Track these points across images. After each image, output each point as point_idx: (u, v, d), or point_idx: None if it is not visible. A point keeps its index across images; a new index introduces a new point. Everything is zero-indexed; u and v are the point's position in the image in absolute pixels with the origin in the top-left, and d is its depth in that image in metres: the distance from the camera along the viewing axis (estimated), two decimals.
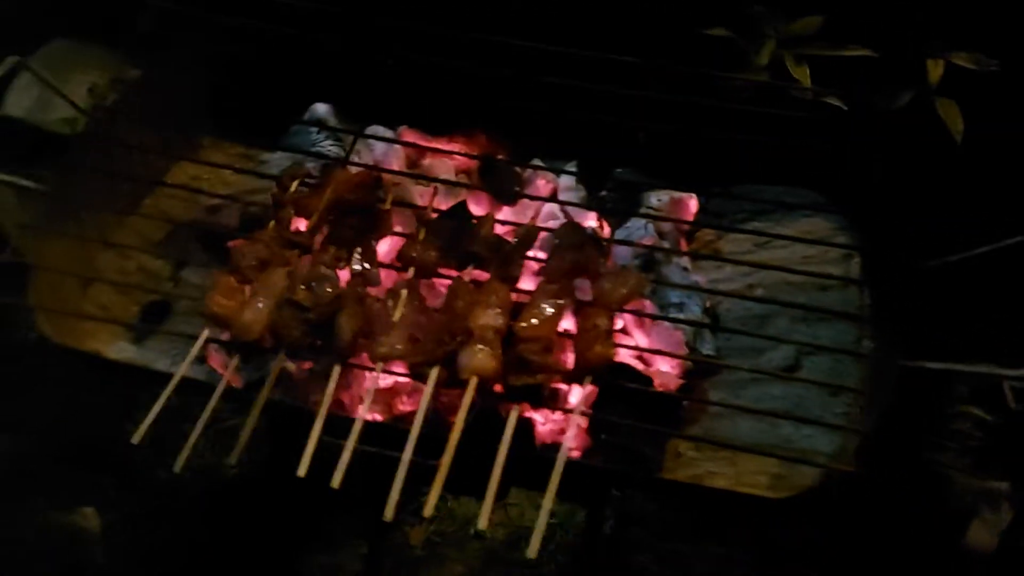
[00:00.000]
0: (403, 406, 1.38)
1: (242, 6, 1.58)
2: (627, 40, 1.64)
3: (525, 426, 1.28)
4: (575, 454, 1.36)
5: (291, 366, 1.32)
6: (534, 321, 1.23)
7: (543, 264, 1.34)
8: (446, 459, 1.11)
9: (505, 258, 1.32)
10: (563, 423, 1.32)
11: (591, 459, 1.31)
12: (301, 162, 1.55)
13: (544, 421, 1.34)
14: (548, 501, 1.10)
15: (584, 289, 1.30)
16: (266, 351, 1.28)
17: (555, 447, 1.34)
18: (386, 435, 1.20)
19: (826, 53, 1.72)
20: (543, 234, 1.40)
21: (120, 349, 1.47)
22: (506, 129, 1.72)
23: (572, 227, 1.35)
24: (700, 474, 1.30)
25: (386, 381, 1.36)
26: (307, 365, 1.32)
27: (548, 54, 1.60)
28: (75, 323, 1.46)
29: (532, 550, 1.02)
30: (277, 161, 1.73)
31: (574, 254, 1.30)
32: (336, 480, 1.10)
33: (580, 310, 1.27)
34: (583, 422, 1.30)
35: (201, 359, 1.44)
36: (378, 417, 1.37)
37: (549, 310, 1.23)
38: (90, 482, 2.18)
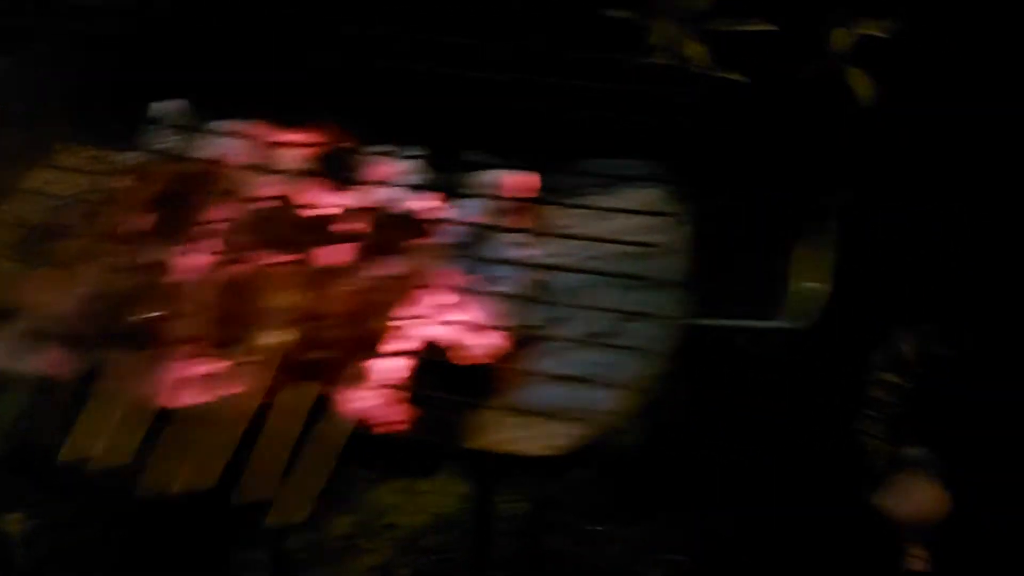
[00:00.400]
0: (224, 390, 1.40)
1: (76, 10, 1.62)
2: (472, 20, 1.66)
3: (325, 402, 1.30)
4: (393, 428, 1.38)
5: (113, 356, 1.35)
6: (333, 299, 1.25)
7: (351, 244, 1.36)
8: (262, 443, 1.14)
9: (313, 240, 1.34)
10: (372, 398, 1.34)
11: (409, 432, 1.33)
12: (143, 160, 1.58)
13: (353, 397, 1.35)
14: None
15: (389, 266, 1.32)
16: (91, 342, 1.31)
17: (368, 423, 1.38)
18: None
19: (725, 28, 1.72)
20: (360, 215, 1.42)
21: None
22: (356, 119, 1.74)
23: (385, 208, 1.37)
24: (503, 439, 1.31)
25: (207, 367, 1.38)
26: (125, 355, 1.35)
27: (394, 40, 1.63)
28: None
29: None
30: (129, 160, 1.76)
31: (381, 233, 1.33)
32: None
33: (379, 286, 1.29)
34: (396, 396, 1.32)
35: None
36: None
37: (349, 288, 1.25)
38: (15, 487, 2.22)
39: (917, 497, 1.68)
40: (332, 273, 1.32)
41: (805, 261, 1.42)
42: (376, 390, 1.32)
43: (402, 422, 1.35)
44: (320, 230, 1.37)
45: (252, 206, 1.44)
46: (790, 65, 1.78)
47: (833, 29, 1.70)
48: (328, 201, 1.58)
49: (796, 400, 1.63)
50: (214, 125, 1.71)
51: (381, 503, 2.18)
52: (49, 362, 1.43)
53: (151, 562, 2.16)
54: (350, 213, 1.40)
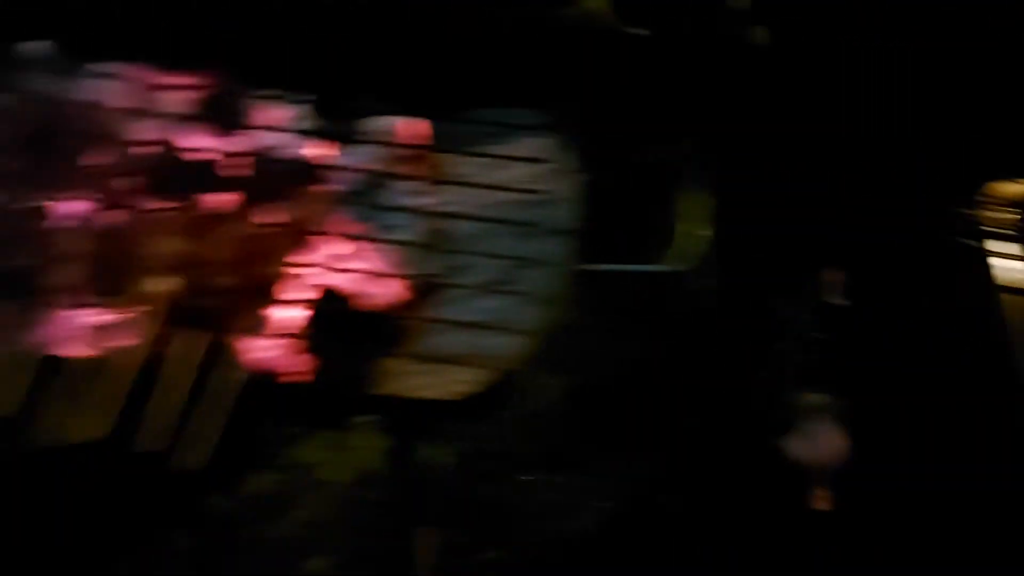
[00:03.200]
0: (111, 340, 1.35)
1: None
2: None
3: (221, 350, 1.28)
4: (296, 378, 1.37)
5: None
6: (219, 245, 1.22)
7: (237, 190, 1.32)
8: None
9: (198, 185, 1.30)
10: (270, 347, 1.33)
11: (310, 381, 1.33)
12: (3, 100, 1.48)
13: (254, 347, 1.34)
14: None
15: (275, 213, 1.30)
16: None
17: (269, 373, 1.36)
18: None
19: None
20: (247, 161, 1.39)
21: None
22: (240, 62, 1.68)
23: (273, 154, 1.34)
24: (408, 386, 1.33)
25: (91, 316, 1.33)
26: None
27: None
28: None
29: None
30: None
31: (269, 179, 1.30)
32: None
33: (268, 233, 1.27)
34: (291, 345, 1.31)
35: None
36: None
37: (234, 234, 1.23)
38: None
39: (821, 442, 1.79)
40: (218, 219, 1.28)
41: (689, 207, 1.49)
42: (274, 339, 1.31)
43: (303, 372, 1.35)
44: (204, 175, 1.33)
45: (132, 150, 1.37)
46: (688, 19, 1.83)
47: None
48: (213, 145, 1.53)
49: (700, 348, 1.70)
50: (88, 67, 1.61)
51: (307, 459, 2.15)
52: None
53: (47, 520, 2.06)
54: (236, 158, 1.36)
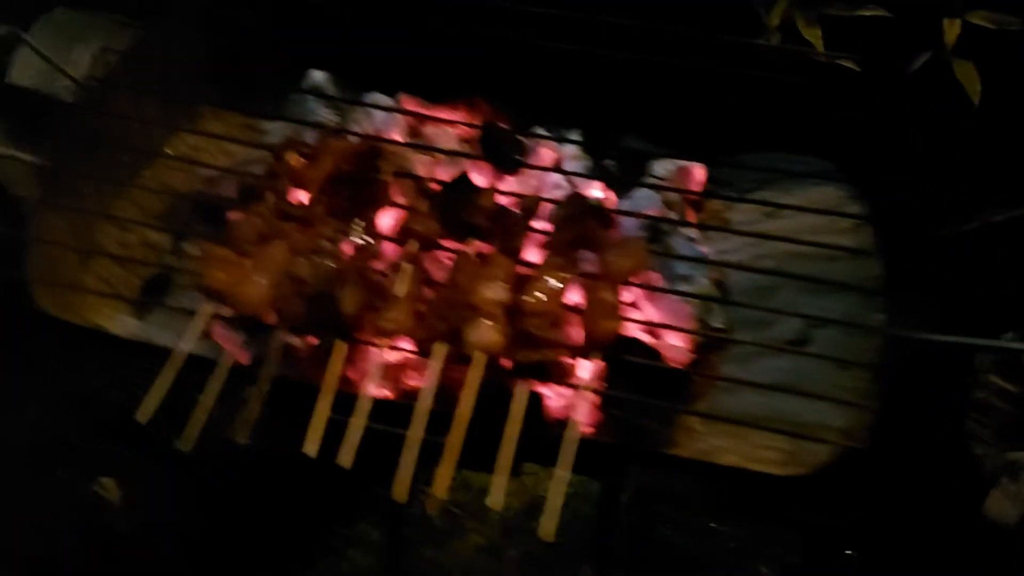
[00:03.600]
0: (412, 381, 1.36)
1: None
2: (630, 3, 1.59)
3: (534, 401, 1.27)
4: (587, 429, 1.35)
5: (296, 342, 1.31)
6: (539, 295, 1.21)
7: (547, 236, 1.31)
8: (455, 437, 1.10)
9: (508, 230, 1.30)
10: (572, 398, 1.32)
11: (601, 435, 1.31)
12: (298, 132, 1.53)
13: (553, 396, 1.33)
14: (559, 480, 1.09)
15: (589, 261, 1.28)
16: (269, 326, 1.27)
17: (564, 422, 1.34)
18: (394, 412, 1.19)
19: (841, 13, 1.66)
20: (547, 205, 1.37)
21: (122, 323, 1.45)
22: (508, 96, 1.68)
23: (576, 198, 1.33)
24: (708, 449, 1.29)
25: (394, 356, 1.35)
26: (311, 340, 1.31)
27: (549, 18, 1.56)
28: (77, 297, 1.44)
29: (546, 531, 1.02)
30: (278, 131, 1.70)
31: (578, 225, 1.28)
32: (346, 459, 1.09)
33: (586, 283, 1.25)
34: (593, 398, 1.29)
35: (206, 333, 1.44)
36: (388, 394, 1.36)
37: (554, 283, 1.21)
38: (110, 453, 2.20)
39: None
40: (532, 266, 1.27)
41: None
42: (571, 390, 1.29)
43: (595, 423, 1.33)
44: (509, 218, 1.32)
45: (430, 188, 1.38)
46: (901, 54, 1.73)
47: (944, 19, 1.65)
48: (506, 186, 1.53)
49: (902, 403, 1.60)
50: (365, 98, 1.65)
51: (483, 483, 2.16)
52: (224, 343, 1.40)
53: (247, 531, 2.15)
54: (536, 201, 1.35)
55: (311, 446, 1.12)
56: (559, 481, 1.08)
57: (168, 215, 1.61)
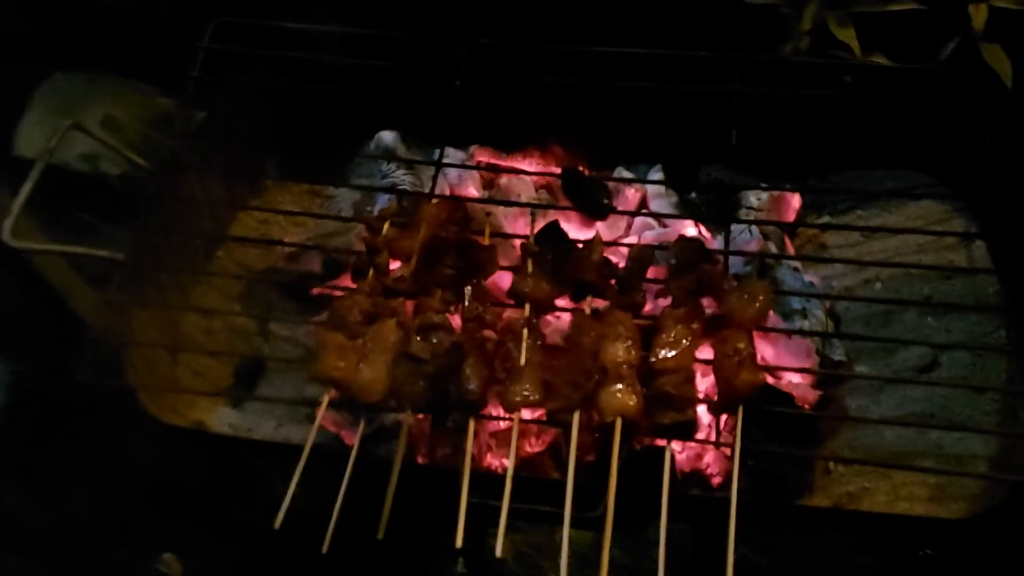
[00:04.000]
0: (530, 448, 1.32)
1: (295, 40, 1.51)
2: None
3: (662, 457, 1.22)
4: (716, 480, 1.30)
5: (410, 419, 1.26)
6: (669, 351, 1.16)
7: (660, 286, 1.26)
8: (609, 506, 1.05)
9: (624, 284, 1.25)
10: (699, 450, 1.27)
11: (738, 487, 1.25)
12: (368, 197, 1.48)
13: (681, 450, 1.28)
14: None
15: (710, 308, 1.23)
16: (381, 408, 1.22)
17: (694, 475, 1.29)
18: (534, 488, 1.14)
19: (873, 10, 1.62)
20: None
21: (222, 416, 1.41)
22: (582, 138, 1.64)
23: (687, 243, 1.28)
24: (855, 491, 1.24)
25: (506, 424, 1.30)
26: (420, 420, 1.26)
27: (616, 56, 1.52)
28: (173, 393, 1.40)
29: None
30: (345, 196, 1.66)
31: (695, 272, 1.23)
32: (500, 549, 1.04)
33: (713, 333, 1.20)
34: (726, 451, 1.24)
35: (306, 417, 1.40)
36: (505, 462, 1.31)
37: (683, 337, 1.16)
38: (168, 527, 2.15)
39: None
40: (649, 319, 1.22)
41: None
42: (699, 444, 1.24)
43: (727, 476, 1.27)
44: (624, 272, 1.27)
45: (530, 247, 1.33)
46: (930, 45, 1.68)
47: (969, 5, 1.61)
48: (589, 231, 1.49)
49: None
50: (435, 154, 1.60)
51: (549, 520, 2.10)
52: (331, 426, 1.35)
53: None
54: (643, 251, 1.30)
55: (459, 538, 1.07)
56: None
57: (247, 296, 1.56)
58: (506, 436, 1.33)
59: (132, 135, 2.73)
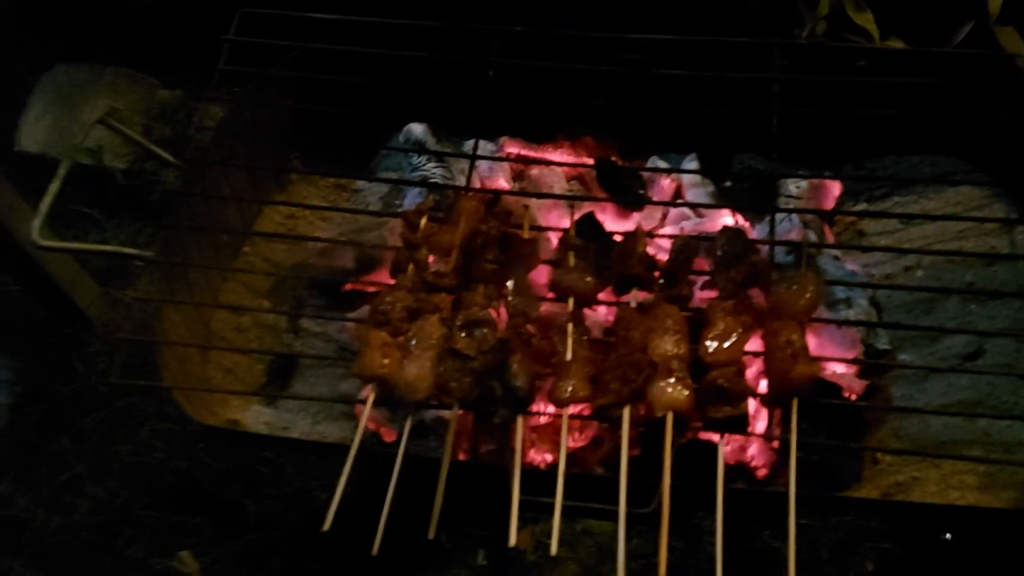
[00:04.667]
0: (573, 443, 1.30)
1: (322, 31, 1.48)
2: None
3: (711, 451, 1.20)
4: (761, 473, 1.29)
5: (449, 415, 1.24)
6: (720, 343, 1.14)
7: (705, 277, 1.24)
8: (665, 505, 1.04)
9: (669, 277, 1.23)
10: (743, 442, 1.25)
11: (782, 477, 1.24)
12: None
13: (726, 443, 1.26)
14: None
15: (758, 300, 1.21)
16: (426, 405, 1.20)
17: (738, 468, 1.28)
18: (580, 484, 1.12)
19: None
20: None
21: (256, 415, 1.39)
22: (614, 128, 1.61)
23: (734, 234, 1.26)
24: (904, 481, 1.23)
25: (546, 419, 1.28)
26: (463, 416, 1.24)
27: (648, 44, 1.49)
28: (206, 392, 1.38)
29: None
30: (372, 190, 1.64)
31: (743, 263, 1.21)
32: (554, 547, 1.03)
33: (764, 325, 1.18)
34: (773, 444, 1.23)
35: (341, 414, 1.38)
36: (548, 457, 1.29)
37: (733, 329, 1.14)
38: (183, 524, 2.12)
39: None
40: (696, 311, 1.20)
41: None
42: (751, 435, 1.23)
43: (773, 469, 1.26)
44: (671, 264, 1.25)
45: (570, 241, 1.31)
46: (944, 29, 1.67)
47: None
48: (626, 222, 1.47)
49: None
50: (465, 146, 1.58)
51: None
52: (371, 424, 1.33)
53: None
54: (688, 243, 1.28)
55: (512, 535, 1.05)
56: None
57: (276, 292, 1.54)
58: (547, 431, 1.32)
59: (134, 127, 2.71)
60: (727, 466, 1.27)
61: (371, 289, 1.40)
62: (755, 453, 1.27)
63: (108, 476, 2.20)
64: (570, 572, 2.06)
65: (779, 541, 2.01)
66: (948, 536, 1.87)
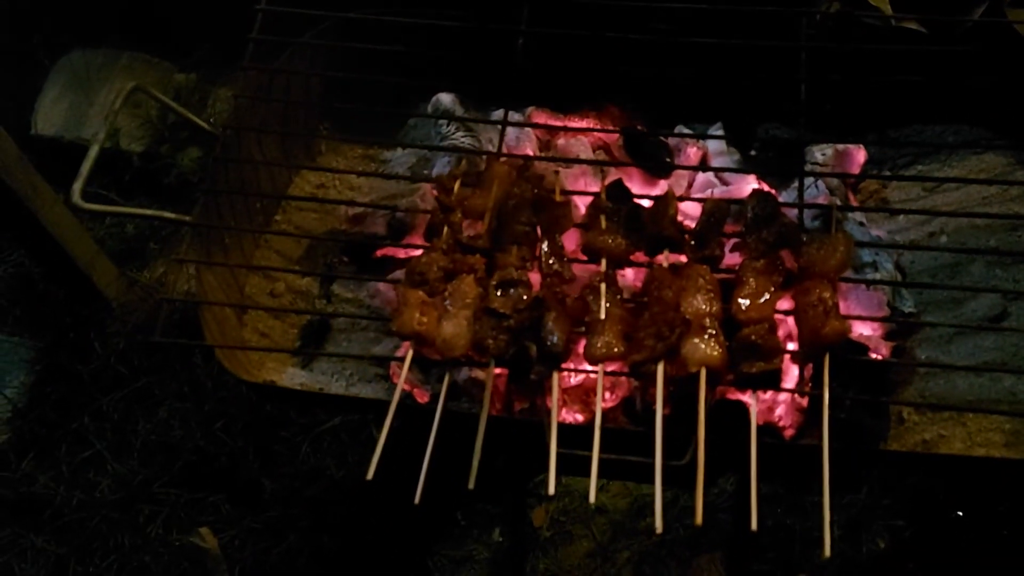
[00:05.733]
0: (605, 403, 1.32)
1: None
2: None
3: (741, 410, 1.23)
4: (788, 432, 1.31)
5: (481, 374, 1.27)
6: (752, 301, 1.17)
7: (736, 239, 1.27)
8: (700, 458, 1.06)
9: (700, 238, 1.25)
10: (771, 402, 1.28)
11: (809, 437, 1.27)
12: (424, 159, 1.48)
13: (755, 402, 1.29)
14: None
15: (788, 260, 1.23)
16: (461, 363, 1.23)
17: (767, 427, 1.30)
18: (622, 439, 1.15)
19: None
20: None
21: (292, 376, 1.41)
22: (640, 97, 1.63)
23: (764, 196, 1.28)
24: (931, 439, 1.25)
25: (578, 378, 1.31)
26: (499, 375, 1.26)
27: (674, 11, 1.51)
28: (243, 353, 1.41)
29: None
30: (400, 159, 1.66)
31: (774, 225, 1.24)
32: (593, 497, 1.05)
33: (795, 284, 1.20)
34: (801, 403, 1.25)
35: (375, 376, 1.41)
36: (579, 417, 1.32)
37: (765, 288, 1.17)
38: (201, 502, 2.16)
39: None
40: (728, 272, 1.23)
41: None
42: (781, 393, 1.25)
43: (800, 427, 1.29)
44: (703, 226, 1.27)
45: (602, 204, 1.34)
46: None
47: None
48: (653, 189, 1.49)
49: None
50: (498, 114, 1.60)
51: (583, 487, 2.12)
52: (405, 384, 1.35)
53: (352, 563, 2.11)
54: (719, 205, 1.30)
55: (551, 485, 1.08)
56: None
57: (308, 258, 1.57)
58: (577, 393, 1.34)
59: (151, 109, 2.73)
60: (756, 426, 1.30)
61: (403, 255, 1.42)
62: (782, 413, 1.29)
63: (128, 454, 2.25)
64: (584, 549, 2.10)
65: (791, 517, 2.06)
66: (960, 514, 1.90)
